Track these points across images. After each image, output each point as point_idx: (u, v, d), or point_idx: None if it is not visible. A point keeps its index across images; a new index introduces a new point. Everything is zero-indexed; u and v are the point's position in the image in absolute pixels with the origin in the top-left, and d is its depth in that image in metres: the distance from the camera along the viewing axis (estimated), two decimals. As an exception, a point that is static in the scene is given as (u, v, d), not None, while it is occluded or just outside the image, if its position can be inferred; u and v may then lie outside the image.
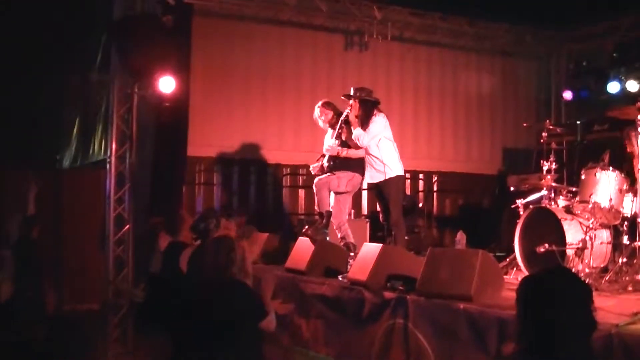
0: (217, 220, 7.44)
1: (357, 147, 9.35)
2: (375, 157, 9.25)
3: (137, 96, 11.67)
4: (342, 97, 9.63)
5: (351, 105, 9.34)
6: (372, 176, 9.41)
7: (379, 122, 9.27)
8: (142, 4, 11.55)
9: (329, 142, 9.59)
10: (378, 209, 9.90)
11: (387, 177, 9.25)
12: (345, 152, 9.41)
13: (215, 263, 5.64)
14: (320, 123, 9.81)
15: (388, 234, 9.44)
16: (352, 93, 9.42)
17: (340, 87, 12.83)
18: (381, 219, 9.65)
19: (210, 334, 5.44)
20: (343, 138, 9.47)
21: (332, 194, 9.50)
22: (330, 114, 9.67)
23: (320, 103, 9.86)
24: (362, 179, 9.66)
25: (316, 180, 9.56)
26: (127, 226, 11.60)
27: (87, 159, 14.35)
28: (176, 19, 11.25)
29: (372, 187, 9.87)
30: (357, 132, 9.20)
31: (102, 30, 12.84)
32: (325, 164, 9.49)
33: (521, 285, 3.11)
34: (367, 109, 9.32)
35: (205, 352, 5.47)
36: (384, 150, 9.24)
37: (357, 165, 9.47)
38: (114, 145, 11.67)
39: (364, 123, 9.26)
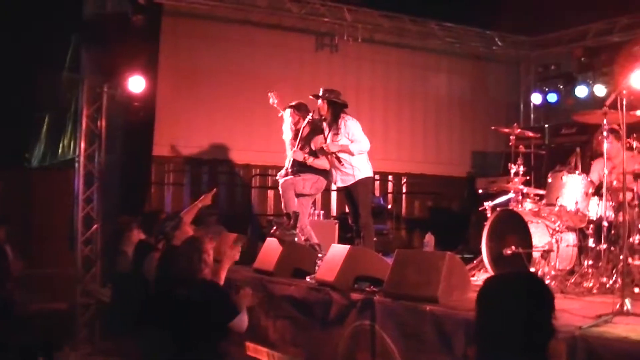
0: (176, 223, 7.39)
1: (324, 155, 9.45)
2: (344, 160, 9.31)
3: (107, 95, 11.62)
4: (311, 97, 9.71)
5: (319, 107, 9.46)
6: (342, 180, 9.47)
7: (358, 126, 9.43)
8: (112, 3, 11.52)
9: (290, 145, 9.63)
10: (347, 210, 9.94)
11: (357, 180, 9.37)
12: (311, 160, 9.43)
13: (187, 264, 5.65)
14: (288, 122, 9.77)
15: (357, 236, 9.48)
16: (320, 94, 9.47)
17: (310, 88, 12.77)
18: (350, 221, 9.69)
19: (181, 334, 5.44)
20: (313, 148, 9.50)
21: None
22: (297, 117, 9.67)
23: (292, 104, 9.84)
24: (326, 183, 9.72)
25: (281, 181, 9.57)
26: (96, 226, 11.55)
27: (56, 158, 14.25)
28: (146, 18, 11.22)
29: (341, 190, 9.87)
30: (343, 142, 9.34)
31: (72, 29, 12.76)
32: (289, 169, 9.52)
33: (483, 287, 3.11)
34: (335, 110, 9.45)
35: (176, 351, 5.47)
36: (348, 154, 9.38)
37: (322, 169, 9.53)
38: (82, 145, 11.63)
39: (332, 124, 9.42)
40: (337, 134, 9.46)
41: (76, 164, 11.76)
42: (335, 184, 9.80)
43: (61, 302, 11.75)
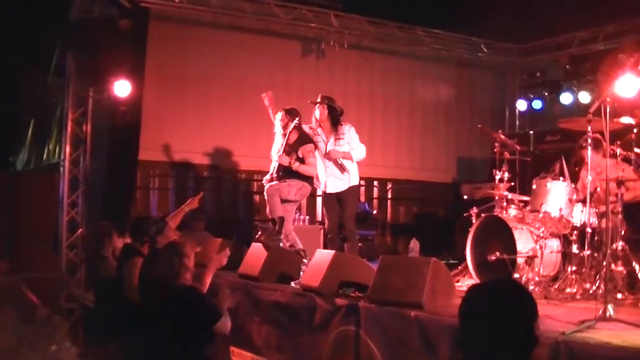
0: (160, 227, 7.37)
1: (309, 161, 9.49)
2: (342, 165, 9.52)
3: (92, 100, 11.60)
4: (310, 102, 9.89)
5: (319, 112, 9.68)
6: (334, 186, 9.57)
7: (355, 133, 9.69)
8: (99, 7, 11.49)
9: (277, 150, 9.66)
10: (323, 216, 10.01)
11: (349, 186, 9.63)
12: (296, 165, 9.44)
13: (167, 268, 5.64)
14: (278, 127, 9.79)
15: (332, 242, 9.59)
16: (319, 100, 9.68)
17: (297, 93, 12.91)
18: (328, 227, 9.77)
19: (164, 339, 5.43)
20: (300, 156, 9.52)
21: None
22: (287, 121, 9.68)
23: (284, 109, 9.85)
24: (311, 189, 9.76)
25: (267, 186, 9.58)
26: (80, 230, 11.52)
27: (42, 162, 14.21)
28: (133, 23, 11.20)
29: (329, 196, 9.87)
30: (345, 149, 9.57)
31: (58, 33, 12.72)
32: (275, 175, 9.53)
33: (466, 295, 3.12)
34: (334, 116, 9.69)
35: (160, 356, 5.46)
36: (348, 160, 9.59)
37: (307, 175, 9.56)
38: (67, 149, 11.60)
39: (331, 130, 9.64)
40: (338, 139, 9.65)
41: (61, 169, 11.73)
42: (320, 188, 9.83)
43: (45, 306, 11.69)
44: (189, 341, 5.49)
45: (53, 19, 13.05)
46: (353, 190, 9.77)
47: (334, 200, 9.74)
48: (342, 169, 9.57)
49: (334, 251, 7.88)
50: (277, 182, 9.46)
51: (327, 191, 9.76)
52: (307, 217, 12.29)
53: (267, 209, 9.59)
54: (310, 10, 13.42)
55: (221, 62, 13.21)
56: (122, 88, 10.89)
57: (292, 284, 8.26)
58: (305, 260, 8.85)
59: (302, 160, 9.48)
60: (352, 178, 9.68)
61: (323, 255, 7.84)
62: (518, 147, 9.95)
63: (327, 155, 9.64)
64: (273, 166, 9.61)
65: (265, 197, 9.59)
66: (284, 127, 9.60)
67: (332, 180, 9.63)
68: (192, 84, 13.00)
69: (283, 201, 9.50)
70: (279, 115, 9.73)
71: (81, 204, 11.66)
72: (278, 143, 9.68)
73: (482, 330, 2.97)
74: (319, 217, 13.83)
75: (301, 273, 8.46)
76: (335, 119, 9.73)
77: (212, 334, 5.75)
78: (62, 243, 11.52)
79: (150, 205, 12.94)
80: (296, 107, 9.77)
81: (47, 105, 13.83)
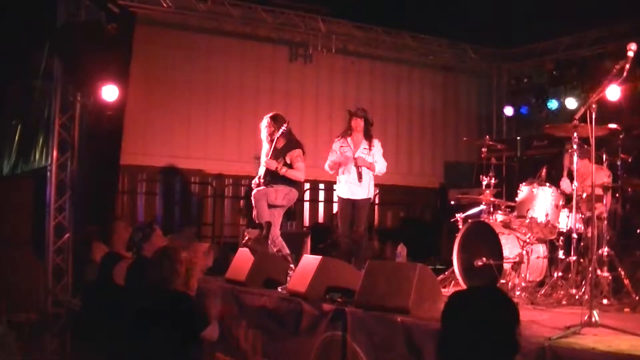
0: (146, 233, 7.35)
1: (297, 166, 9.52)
2: (368, 176, 9.76)
3: (80, 104, 11.56)
4: (347, 111, 10.14)
5: (354, 122, 9.90)
6: (352, 192, 9.70)
7: (381, 148, 9.98)
8: (86, 11, 11.46)
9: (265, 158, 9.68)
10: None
11: (367, 197, 9.83)
12: (284, 170, 9.43)
13: (158, 274, 5.64)
14: (264, 134, 9.79)
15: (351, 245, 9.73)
16: (354, 110, 10.04)
17: (283, 98, 12.91)
18: (339, 230, 9.82)
19: (152, 344, 5.43)
20: (288, 161, 9.52)
21: None
22: (273, 128, 9.68)
23: (269, 115, 9.85)
24: (297, 195, 9.79)
25: (254, 191, 9.57)
26: (67, 235, 11.48)
27: (29, 166, 14.15)
28: (120, 27, 11.17)
29: (345, 202, 9.89)
30: (369, 160, 9.80)
31: (46, 38, 12.69)
32: (262, 179, 9.52)
33: (447, 302, 3.12)
34: (367, 128, 9.94)
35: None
36: (370, 172, 9.80)
37: (294, 180, 9.58)
38: (54, 153, 11.55)
39: (362, 140, 9.85)
40: (366, 149, 9.84)
41: (48, 173, 11.69)
42: (338, 192, 9.94)
43: (31, 312, 11.66)
44: (176, 346, 5.48)
45: (40, 23, 13.02)
46: (369, 201, 9.99)
47: (350, 206, 9.80)
48: (360, 177, 9.66)
49: (320, 256, 7.87)
50: (265, 187, 9.46)
51: (345, 197, 9.82)
52: (295, 222, 12.28)
53: (254, 213, 9.57)
54: (297, 15, 13.43)
55: (207, 67, 13.22)
56: (109, 92, 10.85)
57: (279, 289, 8.24)
58: (292, 266, 8.85)
59: (290, 166, 9.48)
60: (371, 190, 9.86)
61: (310, 261, 7.85)
62: (501, 145, 10.01)
63: (355, 161, 9.72)
64: (261, 171, 9.60)
65: (252, 202, 9.58)
66: (271, 134, 9.60)
67: (351, 187, 9.74)
68: (179, 88, 13.01)
69: (270, 206, 9.48)
70: (264, 121, 9.72)
71: (68, 208, 11.61)
72: (266, 148, 9.69)
73: (463, 336, 2.97)
74: (307, 223, 13.85)
75: (288, 278, 8.45)
76: (367, 131, 9.93)
77: (200, 340, 5.75)
78: (49, 248, 11.47)
79: (137, 210, 12.92)
80: (281, 111, 9.80)
81: (34, 110, 13.78)
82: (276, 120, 9.63)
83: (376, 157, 9.85)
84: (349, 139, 9.91)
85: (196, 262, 6.43)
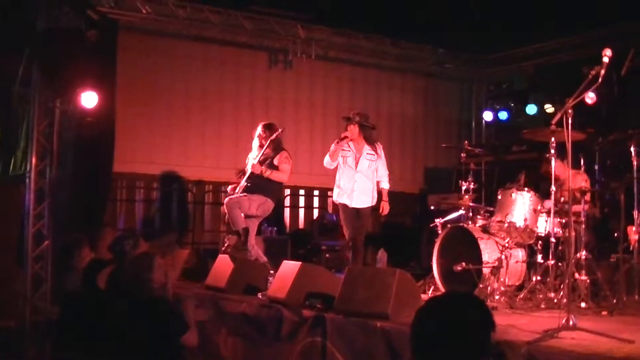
0: (135, 241, 7.34)
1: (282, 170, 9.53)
2: (372, 184, 9.72)
3: (59, 111, 11.51)
4: (342, 118, 10.04)
5: (350, 130, 9.71)
6: (361, 201, 9.69)
7: (384, 157, 9.95)
8: (66, 18, 11.41)
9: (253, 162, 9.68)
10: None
11: (372, 204, 9.77)
12: (268, 173, 9.45)
13: (136, 280, 5.63)
14: (256, 141, 9.82)
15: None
16: (351, 116, 9.82)
17: (263, 104, 12.93)
18: (348, 237, 9.76)
19: (132, 351, 5.41)
20: (276, 162, 9.54)
21: None
22: (265, 135, 9.72)
23: (262, 124, 9.88)
24: (273, 205, 9.77)
25: (227, 199, 9.58)
26: (46, 242, 11.42)
27: (8, 173, 14.07)
28: (101, 34, 11.13)
29: (346, 209, 9.80)
30: (380, 169, 9.87)
31: (25, 44, 12.62)
32: (244, 183, 9.52)
33: (422, 307, 3.12)
34: (366, 134, 9.80)
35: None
36: (375, 181, 9.78)
37: (271, 191, 9.58)
38: (34, 160, 11.48)
39: (366, 146, 9.77)
40: (371, 154, 9.77)
41: (27, 180, 11.62)
42: (340, 200, 9.81)
43: (10, 319, 11.59)
44: (156, 352, 5.46)
45: (20, 29, 12.95)
46: (372, 209, 9.91)
47: (354, 214, 9.73)
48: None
49: (300, 262, 7.88)
50: (238, 195, 9.47)
51: (352, 205, 9.71)
52: (275, 229, 12.29)
53: (229, 221, 9.55)
54: (277, 22, 13.43)
55: (187, 74, 13.21)
56: (89, 99, 10.80)
57: (259, 295, 8.24)
58: (272, 272, 8.85)
59: (276, 167, 9.51)
60: (375, 198, 9.79)
61: (289, 267, 7.85)
62: (480, 150, 10.05)
63: (359, 171, 9.70)
64: (246, 175, 9.62)
65: (225, 210, 9.60)
66: (262, 141, 9.65)
67: (359, 196, 9.67)
68: (159, 95, 12.99)
69: (246, 217, 9.49)
70: (258, 129, 9.77)
71: (47, 216, 11.55)
72: (254, 153, 9.71)
73: (435, 342, 2.98)
74: (287, 228, 13.85)
75: (268, 284, 8.45)
76: (367, 137, 9.81)
77: (180, 346, 5.73)
78: (28, 255, 11.40)
79: (118, 217, 12.89)
80: (262, 117, 9.86)
81: (13, 117, 13.70)
82: (270, 128, 9.69)
83: (379, 163, 9.83)
84: (350, 143, 9.80)
85: (175, 268, 6.43)
